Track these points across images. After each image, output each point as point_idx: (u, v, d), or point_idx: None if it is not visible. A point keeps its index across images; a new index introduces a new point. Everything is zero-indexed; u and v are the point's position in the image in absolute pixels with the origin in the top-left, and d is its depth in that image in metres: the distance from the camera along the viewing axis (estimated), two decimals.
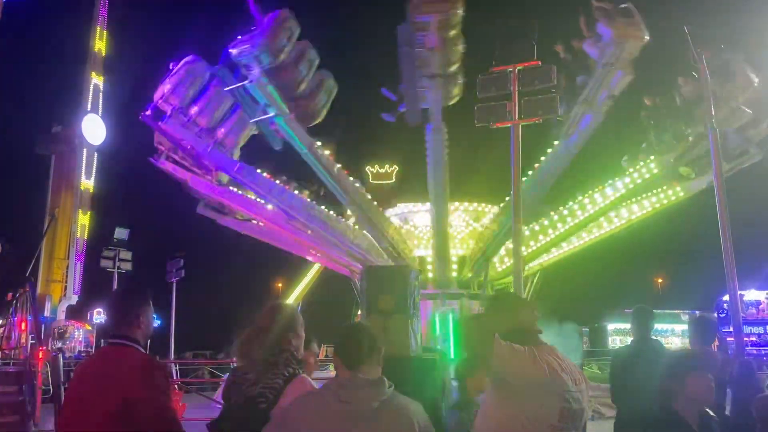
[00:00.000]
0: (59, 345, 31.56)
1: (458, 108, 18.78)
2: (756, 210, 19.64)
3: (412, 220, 21.66)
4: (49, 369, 11.55)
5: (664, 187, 19.99)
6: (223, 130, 19.49)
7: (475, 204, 21.85)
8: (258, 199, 21.21)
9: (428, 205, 21.52)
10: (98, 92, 44.26)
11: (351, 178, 19.57)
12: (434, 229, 19.44)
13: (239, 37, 16.50)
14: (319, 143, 18.57)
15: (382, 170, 31.63)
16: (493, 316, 3.56)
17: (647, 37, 16.38)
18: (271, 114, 17.21)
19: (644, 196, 20.26)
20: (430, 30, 16.21)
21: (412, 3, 16.06)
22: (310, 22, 17.92)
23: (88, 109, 43.18)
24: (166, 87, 18.74)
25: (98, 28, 44.64)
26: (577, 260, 24.57)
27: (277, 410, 3.24)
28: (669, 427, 3.66)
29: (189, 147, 19.51)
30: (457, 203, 21.51)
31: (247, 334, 3.60)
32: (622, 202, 19.74)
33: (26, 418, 10.51)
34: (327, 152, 18.79)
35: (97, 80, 44.29)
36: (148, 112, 18.91)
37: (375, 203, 19.99)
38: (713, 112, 11.70)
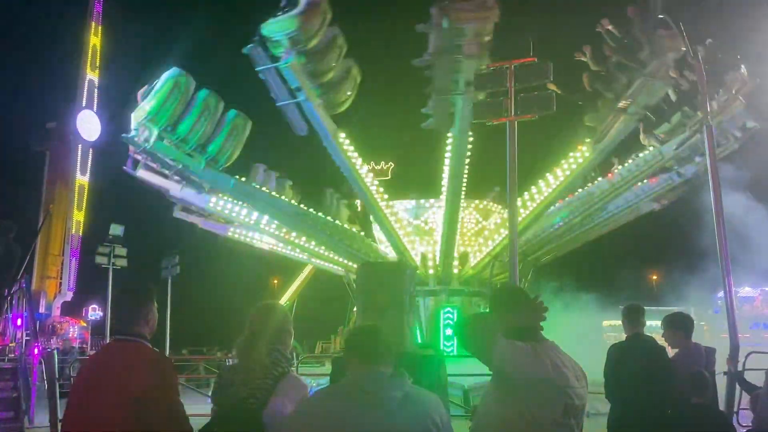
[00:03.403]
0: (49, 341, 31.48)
1: None
2: (751, 206, 19.77)
3: (423, 215, 21.70)
4: (44, 365, 11.53)
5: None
6: (216, 143, 18.80)
7: (485, 202, 22.04)
8: (243, 206, 21.40)
9: (431, 201, 21.65)
10: (93, 88, 44.08)
11: (366, 169, 19.58)
12: (444, 228, 19.49)
13: (274, 15, 16.01)
14: (342, 133, 18.52)
15: (378, 167, 31.67)
16: (496, 313, 3.55)
17: (684, 48, 16.10)
18: (300, 99, 16.87)
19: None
20: (469, 37, 15.35)
21: (451, 10, 15.16)
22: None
23: (83, 105, 43.02)
24: (150, 104, 17.67)
25: (93, 23, 44.42)
26: (571, 256, 24.67)
27: (284, 407, 3.25)
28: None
29: (180, 167, 18.84)
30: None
31: (245, 339, 3.61)
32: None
33: (21, 414, 10.49)
34: (348, 141, 18.79)
35: (91, 76, 44.10)
36: (131, 135, 17.99)
37: (385, 197, 20.06)
38: (709, 109, 11.71)
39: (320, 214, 21.93)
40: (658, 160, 18.98)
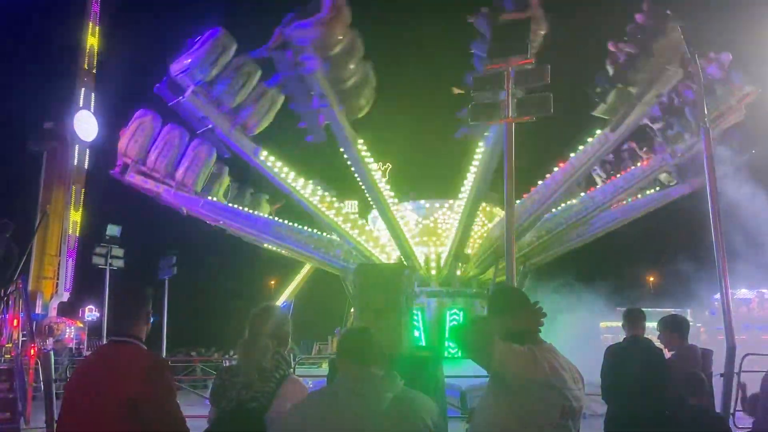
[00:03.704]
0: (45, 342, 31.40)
1: (450, 105, 18.76)
2: (748, 209, 19.73)
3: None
4: (40, 366, 11.50)
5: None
6: (181, 170, 20.83)
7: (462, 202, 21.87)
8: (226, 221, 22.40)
9: (420, 202, 21.68)
10: (90, 88, 44.00)
11: (306, 181, 20.21)
12: (391, 234, 19.79)
13: (178, 56, 17.87)
14: (265, 152, 19.12)
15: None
16: (494, 316, 3.54)
17: (543, 31, 15.21)
18: (209, 126, 18.39)
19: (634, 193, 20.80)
20: (308, 53, 15.97)
21: (286, 29, 15.93)
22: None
23: (80, 105, 42.92)
24: (122, 142, 20.47)
25: (90, 24, 44.34)
26: (569, 257, 24.65)
27: (287, 410, 3.24)
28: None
29: (154, 194, 21.03)
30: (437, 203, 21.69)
31: (246, 341, 3.61)
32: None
33: (17, 415, 10.46)
34: (272, 158, 19.65)
35: (89, 76, 44.03)
36: (117, 169, 20.61)
37: (332, 207, 20.52)
38: (706, 113, 11.70)
39: (292, 223, 22.49)
40: (603, 143, 18.59)
